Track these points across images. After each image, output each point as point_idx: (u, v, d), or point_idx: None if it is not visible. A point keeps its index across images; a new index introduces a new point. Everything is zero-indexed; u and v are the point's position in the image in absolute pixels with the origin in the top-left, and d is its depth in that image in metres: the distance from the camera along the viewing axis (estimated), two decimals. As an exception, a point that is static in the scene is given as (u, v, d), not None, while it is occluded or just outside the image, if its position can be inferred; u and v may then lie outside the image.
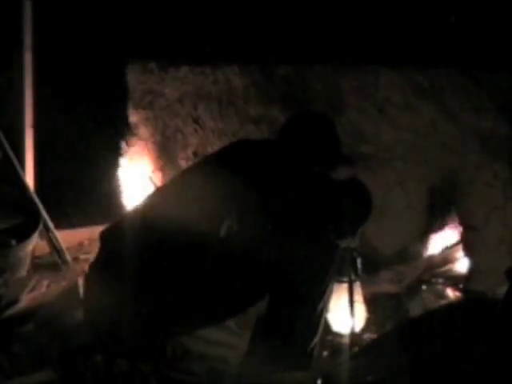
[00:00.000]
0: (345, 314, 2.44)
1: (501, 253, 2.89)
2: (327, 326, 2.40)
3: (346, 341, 2.46)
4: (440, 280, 3.12)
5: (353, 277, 2.42)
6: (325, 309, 2.19)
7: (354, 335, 2.46)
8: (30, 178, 3.69)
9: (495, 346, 1.77)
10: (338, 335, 2.50)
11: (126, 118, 4.17)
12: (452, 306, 2.72)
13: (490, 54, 2.86)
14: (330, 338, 2.50)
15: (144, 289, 2.06)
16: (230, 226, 2.05)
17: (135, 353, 2.13)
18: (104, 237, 2.27)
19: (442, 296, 3.01)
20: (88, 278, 2.26)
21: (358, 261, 2.40)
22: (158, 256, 2.08)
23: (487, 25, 2.93)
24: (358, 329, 2.49)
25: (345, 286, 2.42)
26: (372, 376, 1.91)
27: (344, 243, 2.25)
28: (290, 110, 3.30)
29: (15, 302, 2.87)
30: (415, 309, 2.87)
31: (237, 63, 3.71)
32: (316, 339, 2.17)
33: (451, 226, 3.20)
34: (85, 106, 4.47)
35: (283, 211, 2.09)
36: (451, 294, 3.03)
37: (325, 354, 2.47)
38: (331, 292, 2.22)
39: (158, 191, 2.40)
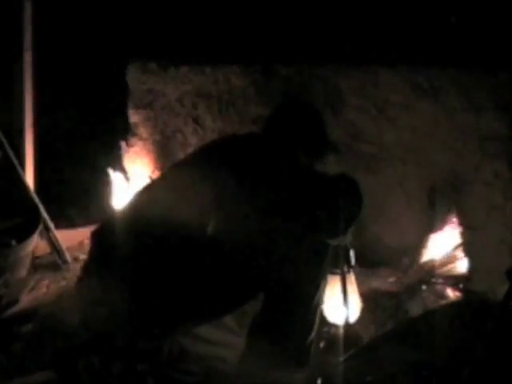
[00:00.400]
0: (339, 304, 2.45)
1: (501, 253, 2.88)
2: (323, 318, 2.41)
3: (341, 331, 2.47)
4: (440, 280, 3.12)
5: (346, 268, 2.42)
6: (320, 304, 2.19)
7: (348, 326, 2.48)
8: (29, 178, 3.69)
9: (495, 346, 1.77)
10: (334, 326, 2.51)
11: (126, 118, 4.17)
12: (452, 305, 2.72)
13: (490, 53, 2.86)
14: (325, 329, 2.52)
15: (136, 288, 2.05)
16: (217, 224, 2.04)
17: (131, 353, 2.12)
18: (95, 237, 2.26)
19: (442, 296, 3.01)
20: (81, 278, 2.25)
21: (351, 252, 2.40)
22: (149, 255, 2.07)
23: (487, 24, 2.93)
24: (352, 319, 2.50)
25: (339, 277, 2.42)
26: (372, 376, 1.91)
27: (335, 241, 2.25)
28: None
29: (15, 301, 2.87)
30: (415, 309, 2.87)
31: (237, 63, 3.71)
32: (312, 335, 2.17)
33: (451, 225, 3.20)
34: (85, 106, 4.47)
35: (273, 210, 2.07)
36: (451, 293, 3.03)
37: (321, 344, 2.48)
38: (325, 286, 2.22)
39: (147, 189, 2.37)
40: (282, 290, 2.10)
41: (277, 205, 2.08)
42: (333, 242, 2.21)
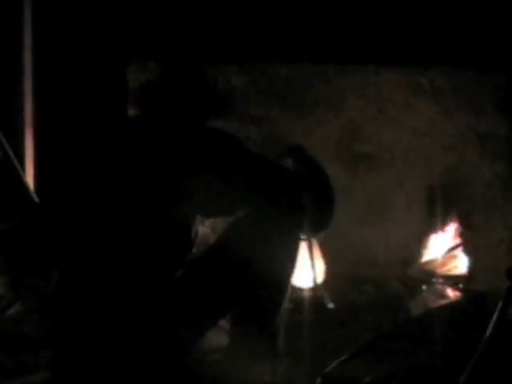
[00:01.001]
0: (305, 269, 2.52)
1: (501, 253, 2.89)
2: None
3: (308, 294, 2.69)
4: (440, 280, 3.12)
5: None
6: (288, 291, 2.16)
7: (316, 288, 2.66)
8: (30, 178, 3.69)
9: (495, 347, 1.77)
10: (300, 290, 2.69)
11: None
12: (452, 305, 2.72)
13: (489, 54, 2.87)
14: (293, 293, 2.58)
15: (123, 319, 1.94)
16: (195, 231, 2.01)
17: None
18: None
19: (442, 296, 3.01)
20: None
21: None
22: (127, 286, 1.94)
23: (487, 25, 2.93)
24: (319, 281, 2.67)
25: (303, 243, 2.44)
26: (372, 376, 1.91)
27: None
28: (290, 110, 3.30)
29: (15, 301, 2.87)
30: (415, 309, 2.87)
31: (237, 63, 3.71)
32: (279, 317, 2.13)
33: (451, 226, 3.20)
34: (85, 106, 4.47)
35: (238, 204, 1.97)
36: (451, 293, 3.03)
37: (289, 306, 2.51)
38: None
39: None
40: (258, 286, 2.06)
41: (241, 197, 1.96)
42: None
